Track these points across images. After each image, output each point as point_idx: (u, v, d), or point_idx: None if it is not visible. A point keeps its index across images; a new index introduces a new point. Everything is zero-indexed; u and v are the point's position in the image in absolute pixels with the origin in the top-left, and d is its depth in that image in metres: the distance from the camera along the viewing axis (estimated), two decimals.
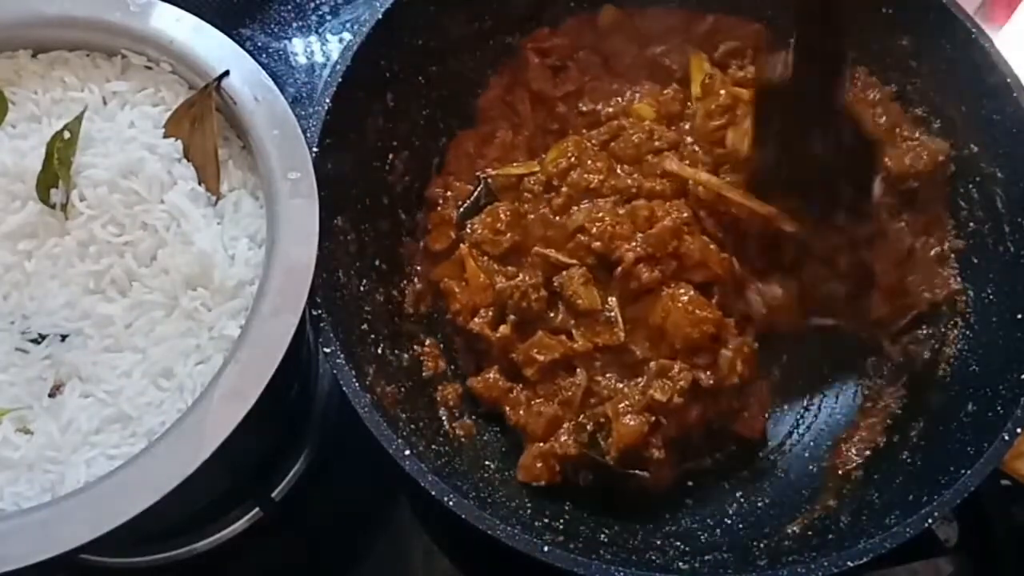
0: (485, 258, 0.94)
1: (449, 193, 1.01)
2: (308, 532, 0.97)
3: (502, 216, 0.94)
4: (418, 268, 0.99)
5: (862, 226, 0.89)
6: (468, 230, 0.96)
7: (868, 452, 0.90)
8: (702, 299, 0.87)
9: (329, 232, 0.81)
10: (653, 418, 0.85)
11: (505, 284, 0.90)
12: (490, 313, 0.92)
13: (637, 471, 0.87)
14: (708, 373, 0.86)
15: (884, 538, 0.71)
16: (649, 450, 0.85)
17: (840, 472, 0.90)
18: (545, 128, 1.04)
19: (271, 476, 0.95)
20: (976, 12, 1.05)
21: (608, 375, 0.89)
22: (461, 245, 0.96)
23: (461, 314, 0.93)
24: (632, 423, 0.84)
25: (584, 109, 1.03)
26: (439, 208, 1.01)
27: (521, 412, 0.89)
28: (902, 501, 0.78)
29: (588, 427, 0.87)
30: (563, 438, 0.87)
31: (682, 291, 0.87)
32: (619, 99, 1.02)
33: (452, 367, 0.96)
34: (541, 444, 0.87)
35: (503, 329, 0.90)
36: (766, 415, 0.94)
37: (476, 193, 1.01)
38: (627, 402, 0.86)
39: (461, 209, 1.00)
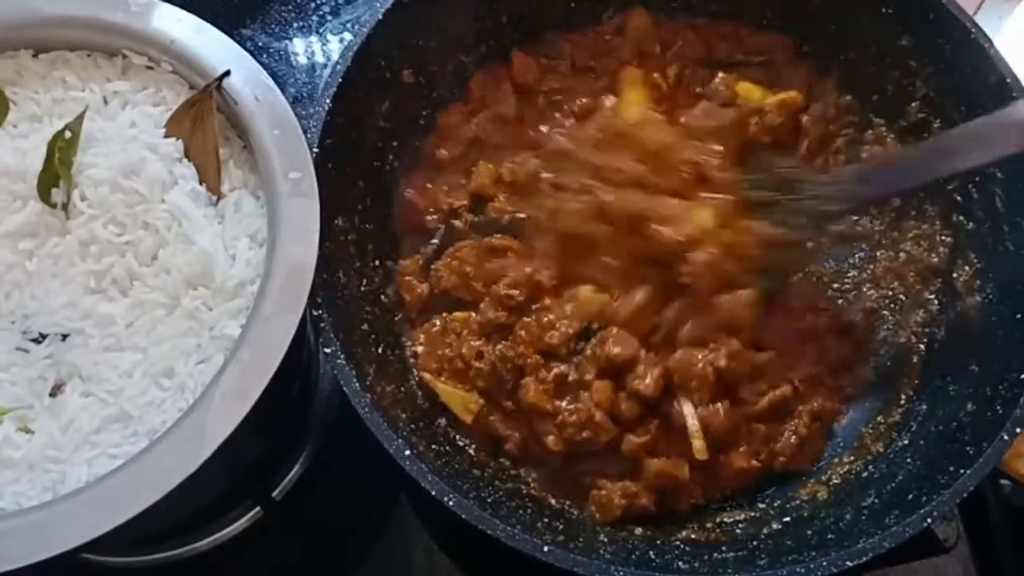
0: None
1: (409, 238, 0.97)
2: (308, 532, 0.97)
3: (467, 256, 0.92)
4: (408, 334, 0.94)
5: None
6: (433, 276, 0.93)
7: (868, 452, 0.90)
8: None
9: (329, 232, 0.81)
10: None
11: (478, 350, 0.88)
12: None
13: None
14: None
15: (884, 538, 0.71)
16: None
17: (841, 471, 0.90)
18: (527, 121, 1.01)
19: (271, 476, 0.95)
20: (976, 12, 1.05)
21: None
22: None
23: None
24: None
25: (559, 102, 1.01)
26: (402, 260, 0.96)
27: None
28: (902, 501, 0.78)
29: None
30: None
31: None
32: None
33: None
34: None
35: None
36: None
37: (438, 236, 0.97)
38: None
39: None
